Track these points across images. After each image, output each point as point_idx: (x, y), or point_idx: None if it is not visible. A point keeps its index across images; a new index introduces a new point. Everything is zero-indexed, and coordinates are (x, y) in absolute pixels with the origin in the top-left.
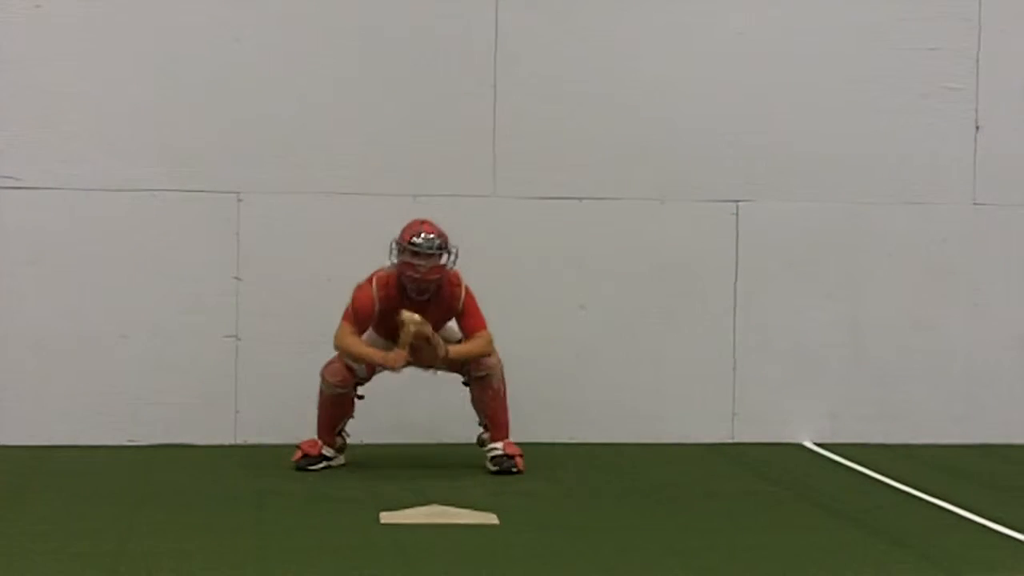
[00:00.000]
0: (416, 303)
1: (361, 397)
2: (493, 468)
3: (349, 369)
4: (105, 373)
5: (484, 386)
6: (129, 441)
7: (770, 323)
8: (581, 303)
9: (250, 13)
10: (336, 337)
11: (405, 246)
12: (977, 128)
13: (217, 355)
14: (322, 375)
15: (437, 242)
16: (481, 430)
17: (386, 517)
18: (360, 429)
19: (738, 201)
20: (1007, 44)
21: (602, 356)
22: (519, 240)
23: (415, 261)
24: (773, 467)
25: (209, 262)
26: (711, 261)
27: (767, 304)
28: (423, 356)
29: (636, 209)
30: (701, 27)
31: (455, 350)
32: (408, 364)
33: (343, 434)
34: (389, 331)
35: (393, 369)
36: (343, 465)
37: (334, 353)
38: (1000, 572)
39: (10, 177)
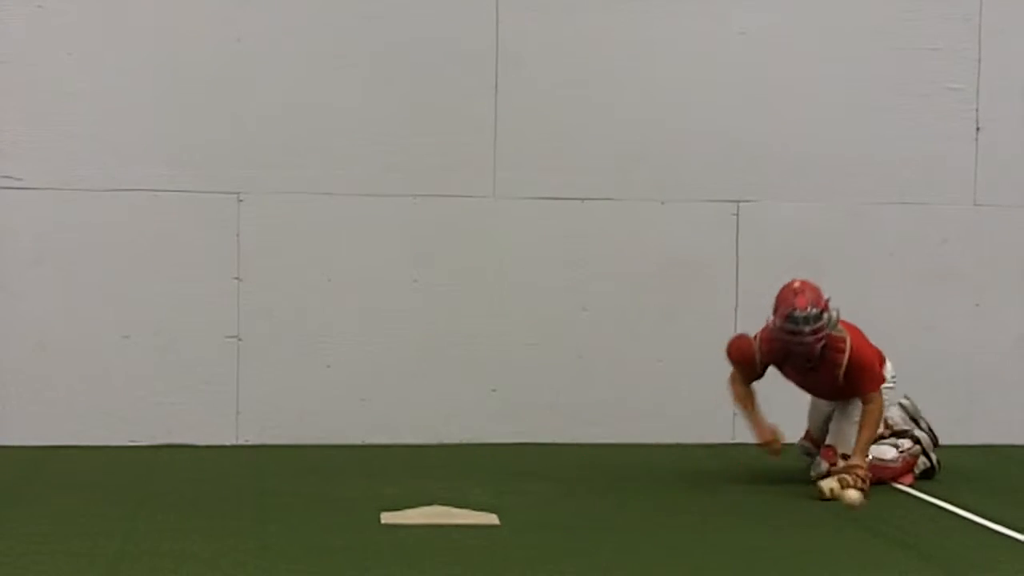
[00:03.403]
0: (805, 366)
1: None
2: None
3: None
4: (106, 373)
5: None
6: (130, 441)
7: None
8: (582, 304)
9: (251, 14)
10: (729, 379)
11: (782, 321)
12: (978, 129)
13: (218, 355)
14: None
15: (814, 314)
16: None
17: (387, 517)
18: (360, 429)
19: (739, 201)
20: (1008, 45)
21: (603, 356)
22: (519, 241)
23: (793, 335)
24: (773, 468)
25: (210, 262)
26: (712, 261)
27: (768, 304)
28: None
29: (637, 210)
30: (702, 28)
31: (859, 450)
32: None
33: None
34: (791, 373)
35: (771, 451)
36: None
37: None
38: (1001, 573)
39: (11, 177)
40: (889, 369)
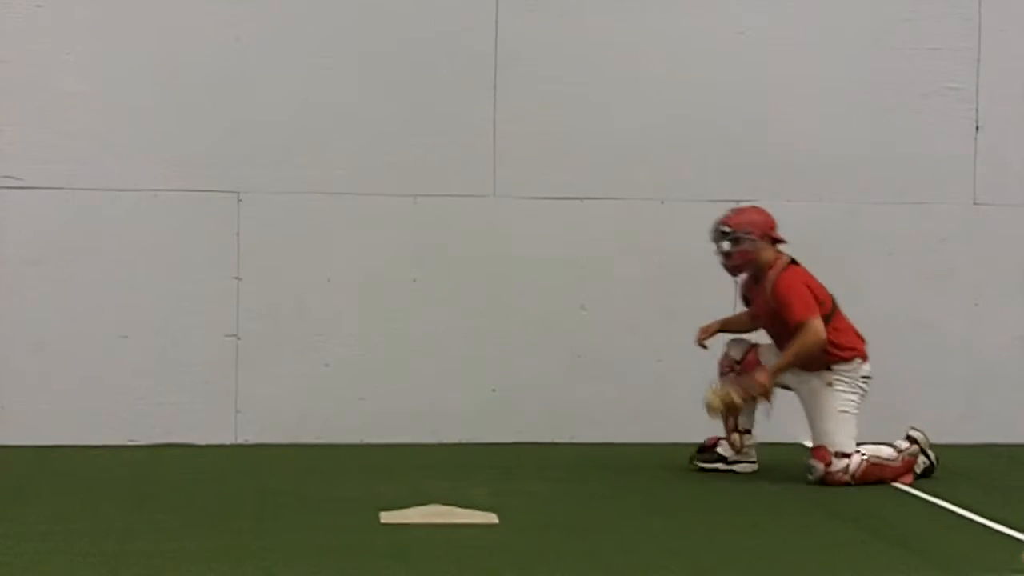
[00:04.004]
0: (757, 286)
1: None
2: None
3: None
4: (105, 373)
5: None
6: (129, 441)
7: None
8: (581, 303)
9: (250, 13)
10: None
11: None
12: (977, 128)
13: (217, 355)
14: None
15: (717, 231)
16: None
17: (386, 517)
18: (359, 428)
19: (739, 201)
20: (1007, 44)
21: (602, 356)
22: (519, 240)
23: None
24: (773, 467)
25: (209, 262)
26: (712, 261)
27: None
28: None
29: (636, 209)
30: (702, 27)
31: (776, 368)
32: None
33: (742, 433)
34: (753, 308)
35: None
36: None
37: None
38: (1000, 572)
39: (11, 177)
40: (865, 369)
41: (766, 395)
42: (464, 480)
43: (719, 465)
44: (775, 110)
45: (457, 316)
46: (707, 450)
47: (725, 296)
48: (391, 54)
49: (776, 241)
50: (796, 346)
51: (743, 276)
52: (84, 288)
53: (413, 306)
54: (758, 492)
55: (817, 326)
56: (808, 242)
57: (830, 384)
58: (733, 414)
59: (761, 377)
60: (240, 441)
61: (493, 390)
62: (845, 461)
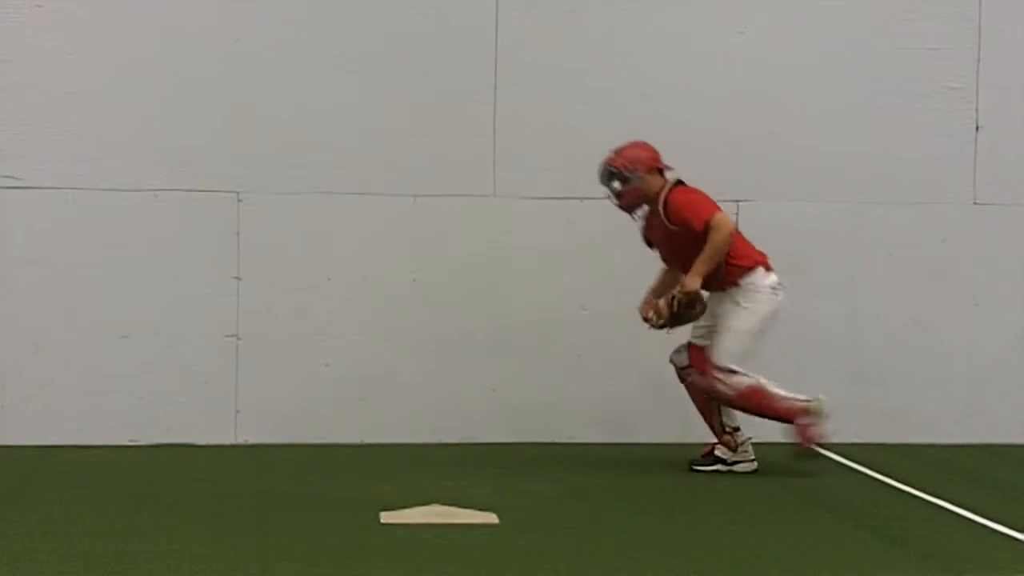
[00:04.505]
0: (655, 218)
1: (686, 371)
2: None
3: (672, 362)
4: (106, 373)
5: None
6: (130, 441)
7: None
8: (581, 303)
9: (250, 13)
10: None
11: None
12: (977, 128)
13: (218, 355)
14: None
15: (600, 175)
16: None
17: (386, 517)
18: (359, 428)
19: (739, 201)
20: (1007, 44)
21: (602, 356)
22: (519, 240)
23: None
24: (773, 466)
25: (209, 262)
26: None
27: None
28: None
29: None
30: (702, 27)
31: (693, 273)
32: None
33: (731, 432)
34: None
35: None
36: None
37: None
38: (1001, 572)
39: (11, 177)
40: (772, 278)
41: (699, 299)
42: (464, 480)
43: (719, 467)
44: (776, 109)
45: (457, 316)
46: (705, 457)
47: None
48: (391, 54)
49: (662, 171)
50: (711, 245)
51: (641, 221)
52: (84, 288)
53: (413, 306)
54: (758, 492)
55: (723, 219)
56: (808, 242)
57: (738, 303)
58: (673, 320)
59: (689, 284)
60: (240, 441)
61: (493, 390)
62: (731, 375)
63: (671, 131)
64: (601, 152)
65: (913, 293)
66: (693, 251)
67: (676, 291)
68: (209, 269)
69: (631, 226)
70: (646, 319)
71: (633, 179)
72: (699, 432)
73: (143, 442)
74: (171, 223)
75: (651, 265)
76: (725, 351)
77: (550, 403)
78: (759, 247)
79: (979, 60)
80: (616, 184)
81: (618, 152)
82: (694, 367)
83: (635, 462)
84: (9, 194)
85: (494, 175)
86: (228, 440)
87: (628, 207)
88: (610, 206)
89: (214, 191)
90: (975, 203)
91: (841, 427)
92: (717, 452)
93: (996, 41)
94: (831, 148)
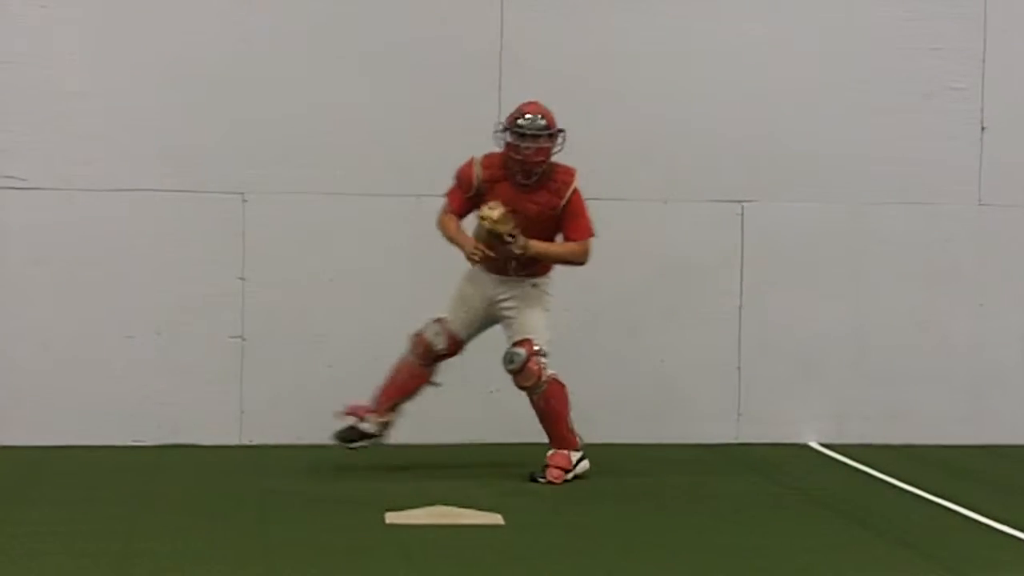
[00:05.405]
0: (521, 188)
1: (437, 384)
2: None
3: (428, 343)
4: (110, 373)
5: (532, 403)
6: (134, 441)
7: (775, 323)
8: (584, 304)
9: (255, 15)
10: (438, 219)
11: (507, 126)
12: (983, 128)
13: (222, 355)
14: (410, 340)
15: (541, 122)
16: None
17: (391, 517)
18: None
19: (743, 201)
20: (1012, 44)
21: (605, 356)
22: None
23: (519, 143)
24: (778, 468)
25: (214, 262)
26: (716, 261)
27: (772, 304)
28: (499, 250)
29: (640, 210)
30: (705, 27)
31: (538, 246)
32: (487, 258)
33: (395, 410)
34: (506, 193)
35: (472, 260)
36: (352, 468)
37: (427, 321)
38: (1004, 572)
39: (16, 177)
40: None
41: (523, 248)
42: (468, 481)
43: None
44: (779, 111)
45: None
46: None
47: (728, 296)
48: (396, 55)
49: None
50: (570, 252)
51: (477, 179)
52: (89, 288)
53: (417, 306)
54: (763, 492)
55: (590, 248)
56: (812, 243)
57: (536, 286)
58: (496, 239)
59: (530, 246)
60: (245, 441)
61: (496, 390)
62: (544, 360)
63: (676, 131)
64: (605, 152)
65: (917, 294)
66: (536, 235)
67: (514, 232)
68: (214, 270)
69: (634, 226)
70: (485, 218)
71: (556, 138)
72: (701, 433)
73: (147, 442)
74: (176, 224)
75: (656, 267)
76: (536, 330)
77: None
78: (763, 248)
79: (984, 60)
80: (545, 143)
81: (536, 106)
82: (523, 347)
83: (639, 462)
84: (15, 194)
85: None
86: (233, 440)
87: (537, 165)
88: (613, 206)
89: (219, 192)
90: (980, 204)
91: (845, 428)
92: (365, 427)
93: (1001, 41)
94: (835, 149)
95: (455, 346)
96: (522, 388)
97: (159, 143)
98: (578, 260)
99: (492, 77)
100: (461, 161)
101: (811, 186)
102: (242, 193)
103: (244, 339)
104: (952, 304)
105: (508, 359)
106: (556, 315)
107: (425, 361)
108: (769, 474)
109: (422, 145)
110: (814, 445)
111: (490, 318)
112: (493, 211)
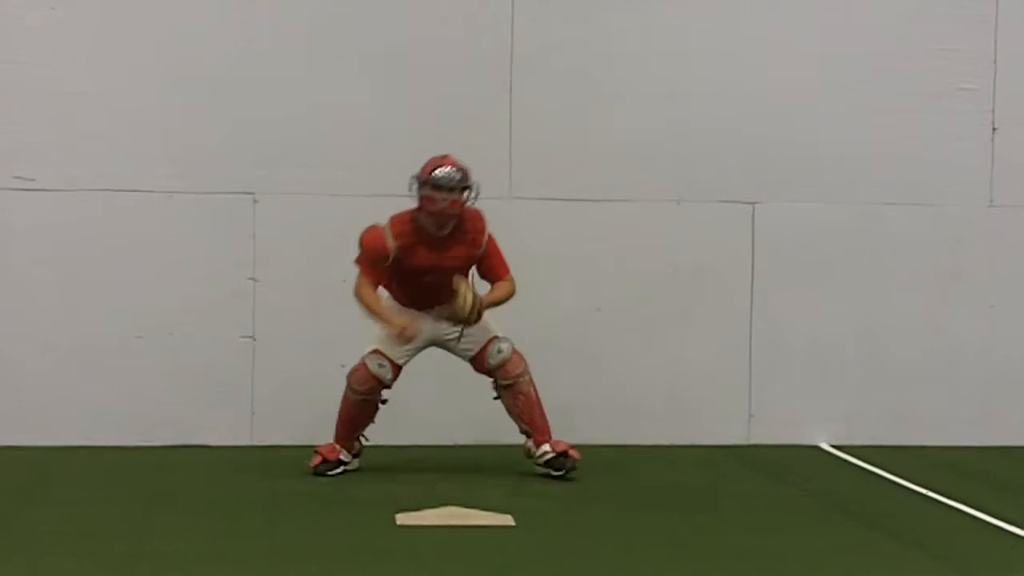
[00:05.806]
0: (436, 241)
1: (384, 401)
2: (553, 472)
3: (375, 377)
4: (120, 374)
5: (514, 393)
6: (144, 442)
7: (786, 324)
8: (597, 305)
9: (263, 15)
10: (355, 288)
11: (426, 179)
12: (994, 129)
13: (233, 356)
14: (348, 380)
15: (458, 176)
16: (525, 439)
17: (402, 519)
18: (374, 430)
19: (754, 203)
20: None
21: (618, 358)
22: (535, 241)
23: (436, 195)
24: (789, 469)
25: (225, 263)
26: (727, 262)
27: (783, 305)
28: (457, 316)
29: (652, 210)
30: (716, 28)
31: (488, 304)
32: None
33: (360, 438)
34: (405, 277)
35: (404, 337)
36: (358, 469)
37: (360, 358)
38: (1014, 574)
39: (23, 178)
40: None
41: (478, 311)
42: (479, 482)
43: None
44: (791, 111)
45: None
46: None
47: (740, 297)
48: (407, 55)
49: None
50: (507, 293)
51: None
52: (99, 290)
53: None
54: (773, 494)
55: (513, 290)
56: (822, 244)
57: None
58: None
59: (485, 302)
60: (256, 442)
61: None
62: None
63: (686, 132)
64: (617, 153)
65: (928, 295)
66: (465, 265)
67: (481, 311)
68: (224, 270)
69: (646, 227)
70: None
71: (471, 191)
72: (713, 434)
73: (158, 443)
74: (186, 225)
75: (667, 269)
76: (494, 328)
77: (565, 405)
78: (773, 250)
79: (996, 61)
80: (465, 195)
81: (452, 160)
82: (510, 369)
83: (650, 464)
84: (24, 195)
85: (509, 176)
86: (244, 441)
87: (452, 218)
88: (625, 207)
89: (230, 193)
90: (991, 205)
91: (855, 429)
92: (342, 456)
93: (1013, 41)
94: (847, 149)
95: (398, 373)
96: (510, 378)
97: (169, 144)
98: (512, 295)
99: (503, 77)
100: (472, 161)
101: (822, 187)
102: (253, 194)
103: (255, 339)
104: (963, 306)
105: (496, 351)
106: (571, 316)
107: (373, 396)
108: (779, 475)
109: (433, 146)
110: (824, 446)
111: (432, 343)
112: (467, 303)
